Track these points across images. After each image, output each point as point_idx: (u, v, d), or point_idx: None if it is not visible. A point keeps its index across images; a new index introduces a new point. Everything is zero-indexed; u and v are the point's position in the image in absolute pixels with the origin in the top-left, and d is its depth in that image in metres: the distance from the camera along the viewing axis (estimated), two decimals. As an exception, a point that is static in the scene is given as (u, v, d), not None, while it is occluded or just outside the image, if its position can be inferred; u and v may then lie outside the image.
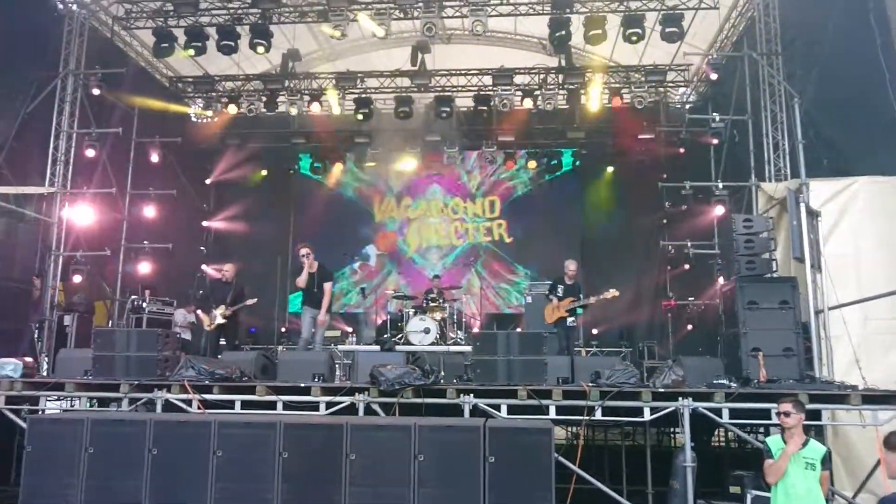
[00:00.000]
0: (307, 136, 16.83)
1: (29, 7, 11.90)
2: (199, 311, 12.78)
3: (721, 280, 11.65)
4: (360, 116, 15.36)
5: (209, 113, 16.37)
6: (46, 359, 10.69)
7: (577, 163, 17.37)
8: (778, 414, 5.29)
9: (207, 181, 17.62)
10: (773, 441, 5.32)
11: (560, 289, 10.66)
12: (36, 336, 10.78)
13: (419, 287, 15.37)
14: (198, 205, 17.26)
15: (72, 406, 8.61)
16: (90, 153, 12.48)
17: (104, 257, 12.67)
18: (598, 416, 7.08)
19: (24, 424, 7.22)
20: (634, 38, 12.18)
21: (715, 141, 12.70)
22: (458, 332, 13.16)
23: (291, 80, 15.39)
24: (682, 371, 7.46)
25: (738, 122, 12.27)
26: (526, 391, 7.08)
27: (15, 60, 11.43)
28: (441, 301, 13.19)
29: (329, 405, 7.33)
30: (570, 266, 10.82)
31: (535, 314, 12.33)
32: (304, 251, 9.96)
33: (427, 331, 12.24)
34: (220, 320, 10.20)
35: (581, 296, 10.53)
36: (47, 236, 11.89)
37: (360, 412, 7.23)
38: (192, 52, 12.97)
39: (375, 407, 7.26)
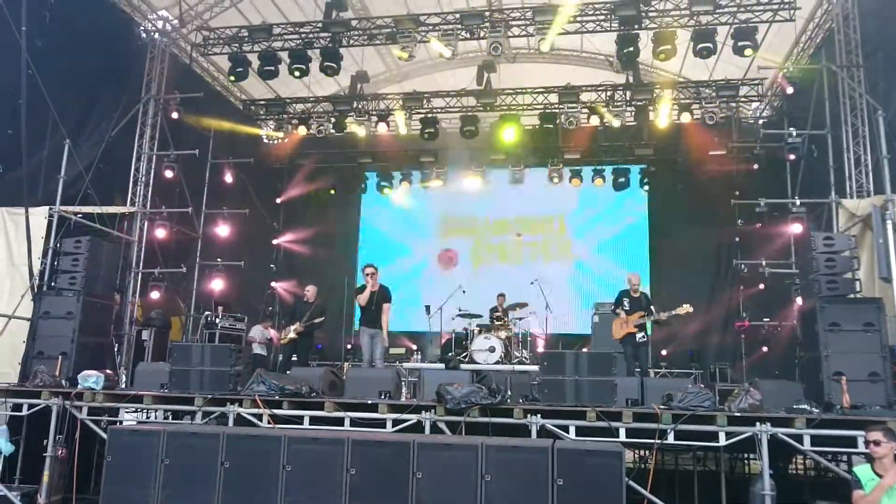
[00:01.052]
0: (374, 156, 17.14)
1: (115, 38, 12.54)
2: (270, 328, 13.19)
3: (799, 300, 11.18)
4: (426, 136, 15.53)
5: (280, 134, 16.90)
6: (125, 372, 11.10)
7: (646, 180, 17.05)
8: (867, 443, 5.00)
9: (278, 200, 18.07)
10: (863, 471, 5.03)
11: (626, 302, 10.30)
12: (116, 350, 11.21)
13: (484, 305, 15.29)
14: (268, 223, 17.72)
15: (148, 418, 8.89)
16: (168, 174, 13.03)
17: (180, 274, 13.13)
18: (671, 439, 6.84)
19: (104, 435, 7.47)
20: (705, 53, 11.93)
21: (791, 157, 12.24)
22: (524, 351, 13.01)
23: (359, 102, 15.72)
24: (759, 395, 7.13)
25: (816, 137, 11.80)
26: (595, 412, 6.90)
27: (102, 88, 12.11)
28: (506, 319, 13.09)
29: (396, 422, 7.32)
30: (633, 279, 10.51)
31: (603, 334, 12.08)
32: (368, 270, 10.12)
33: (492, 349, 12.14)
34: (292, 335, 10.85)
35: (652, 309, 10.17)
36: (128, 254, 12.41)
37: (427, 430, 7.19)
38: (265, 75, 13.40)
39: (442, 425, 7.21)
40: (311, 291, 11.33)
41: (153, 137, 13.32)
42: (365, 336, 10.02)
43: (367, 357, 9.96)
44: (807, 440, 6.62)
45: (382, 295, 10.05)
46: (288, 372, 9.51)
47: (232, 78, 14.03)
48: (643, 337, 10.20)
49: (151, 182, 13.10)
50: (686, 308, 9.94)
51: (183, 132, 13.55)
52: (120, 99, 12.43)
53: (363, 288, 10.02)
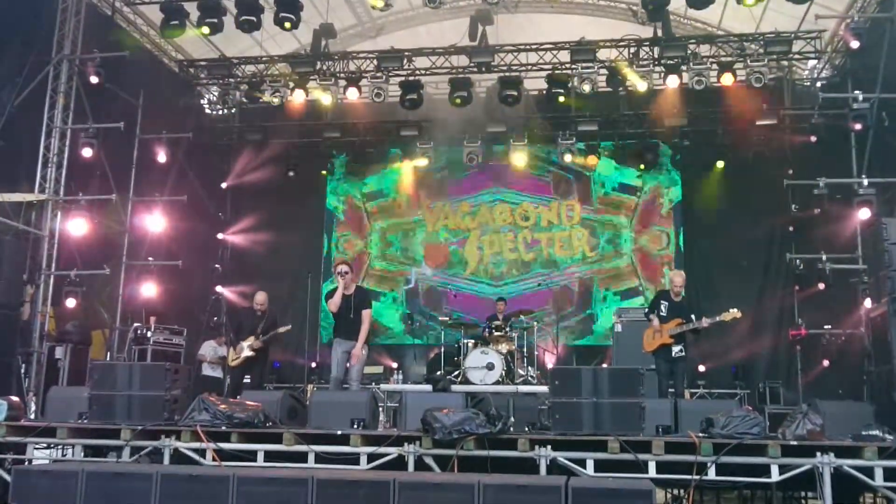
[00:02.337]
0: (343, 129, 17.04)
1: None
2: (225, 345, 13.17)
3: (868, 303, 11.24)
4: (407, 104, 15.48)
5: (226, 103, 16.76)
6: (34, 398, 11.01)
7: (678, 157, 17.11)
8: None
9: (224, 185, 17.97)
10: (947, 510, 5.05)
11: (664, 306, 10.29)
12: (23, 371, 11.12)
13: (480, 313, 15.30)
14: (212, 213, 17.62)
15: (63, 455, 8.82)
16: (87, 152, 12.90)
17: (102, 277, 13.03)
18: (712, 475, 6.87)
19: (7, 477, 7.40)
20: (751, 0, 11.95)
21: (857, 126, 12.34)
22: (529, 368, 13.05)
23: (324, 62, 15.62)
24: (819, 419, 7.20)
25: (887, 103, 11.88)
26: (618, 443, 6.95)
27: (1, 47, 11.93)
28: (507, 330, 13.10)
29: (372, 457, 7.33)
30: (676, 279, 10.53)
31: (626, 346, 12.16)
32: (341, 268, 10.06)
33: (490, 367, 12.16)
34: (247, 353, 10.77)
35: (693, 317, 10.17)
36: (36, 252, 12.30)
37: (410, 467, 7.20)
38: (206, 30, 13.33)
39: (429, 461, 7.23)
40: (261, 299, 11.20)
41: (67, 108, 13.20)
42: (339, 349, 9.98)
43: (338, 376, 9.91)
44: (878, 474, 6.65)
45: (360, 299, 10.00)
46: (238, 397, 9.46)
47: (165, 33, 13.91)
48: (680, 351, 10.17)
49: (66, 163, 13.00)
50: (733, 313, 9.95)
51: (104, 101, 13.44)
52: (24, 60, 12.29)
53: (335, 291, 9.96)
